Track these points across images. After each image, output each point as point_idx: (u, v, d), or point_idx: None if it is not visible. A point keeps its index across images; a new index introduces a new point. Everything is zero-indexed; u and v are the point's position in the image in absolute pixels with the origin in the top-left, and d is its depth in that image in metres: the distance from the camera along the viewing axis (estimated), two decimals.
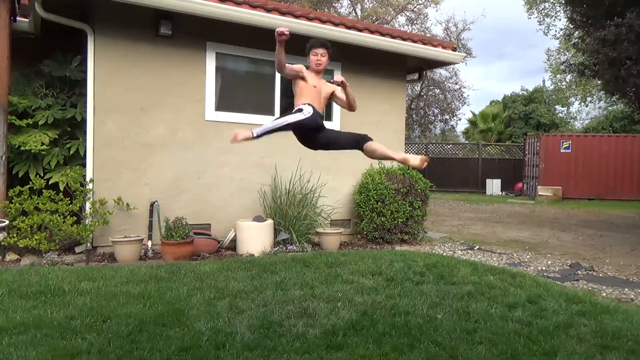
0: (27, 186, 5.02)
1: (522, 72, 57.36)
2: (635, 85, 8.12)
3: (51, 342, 2.63)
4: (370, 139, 3.28)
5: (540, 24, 23.63)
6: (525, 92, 26.15)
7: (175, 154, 5.76)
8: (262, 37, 6.07)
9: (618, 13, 7.92)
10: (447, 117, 26.70)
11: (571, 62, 11.64)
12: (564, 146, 16.70)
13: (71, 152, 5.56)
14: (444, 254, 5.93)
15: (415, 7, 24.09)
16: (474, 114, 26.31)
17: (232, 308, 3.28)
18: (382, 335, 2.87)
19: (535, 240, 7.53)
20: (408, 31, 17.35)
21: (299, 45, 7.08)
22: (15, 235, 4.87)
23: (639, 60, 7.67)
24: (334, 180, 6.81)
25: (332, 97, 3.71)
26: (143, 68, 5.54)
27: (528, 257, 6.10)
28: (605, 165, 16.47)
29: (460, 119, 35.09)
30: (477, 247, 6.71)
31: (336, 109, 6.90)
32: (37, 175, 5.35)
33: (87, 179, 5.28)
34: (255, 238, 5.58)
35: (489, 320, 3.18)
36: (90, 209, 5.16)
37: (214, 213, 6.03)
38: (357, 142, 3.31)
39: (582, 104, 27.30)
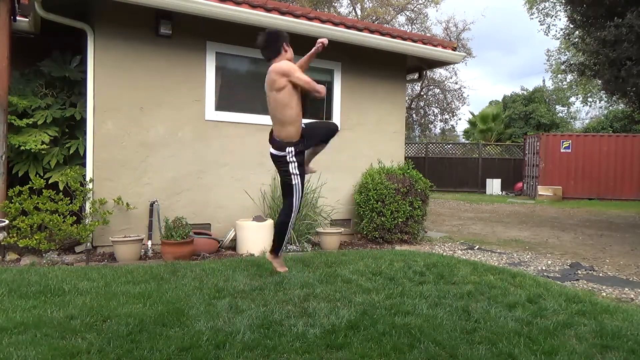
0: (27, 186, 5.01)
1: (521, 72, 57.44)
2: (635, 85, 8.12)
3: (51, 341, 2.63)
4: None
5: (541, 24, 23.77)
6: (525, 92, 26.19)
7: (175, 154, 5.75)
8: None
9: (618, 13, 7.92)
10: (447, 116, 26.74)
11: (571, 62, 11.64)
12: (564, 146, 16.70)
13: (71, 151, 5.56)
14: (444, 253, 5.92)
15: (415, 7, 24.10)
16: (473, 115, 26.34)
17: (232, 308, 3.27)
18: (382, 335, 2.87)
19: (535, 240, 7.53)
20: (408, 31, 17.35)
21: (299, 45, 7.08)
22: (15, 235, 4.87)
23: (639, 60, 7.67)
24: (334, 180, 6.80)
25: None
26: (143, 68, 5.53)
27: (528, 256, 6.10)
28: (605, 165, 16.48)
29: (460, 119, 35.16)
30: (477, 246, 6.71)
31: (336, 108, 6.90)
32: (37, 175, 5.36)
33: (87, 179, 5.28)
34: (255, 238, 5.58)
35: (489, 320, 3.18)
36: (90, 208, 5.16)
37: (214, 213, 6.04)
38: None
39: (585, 104, 27.34)
